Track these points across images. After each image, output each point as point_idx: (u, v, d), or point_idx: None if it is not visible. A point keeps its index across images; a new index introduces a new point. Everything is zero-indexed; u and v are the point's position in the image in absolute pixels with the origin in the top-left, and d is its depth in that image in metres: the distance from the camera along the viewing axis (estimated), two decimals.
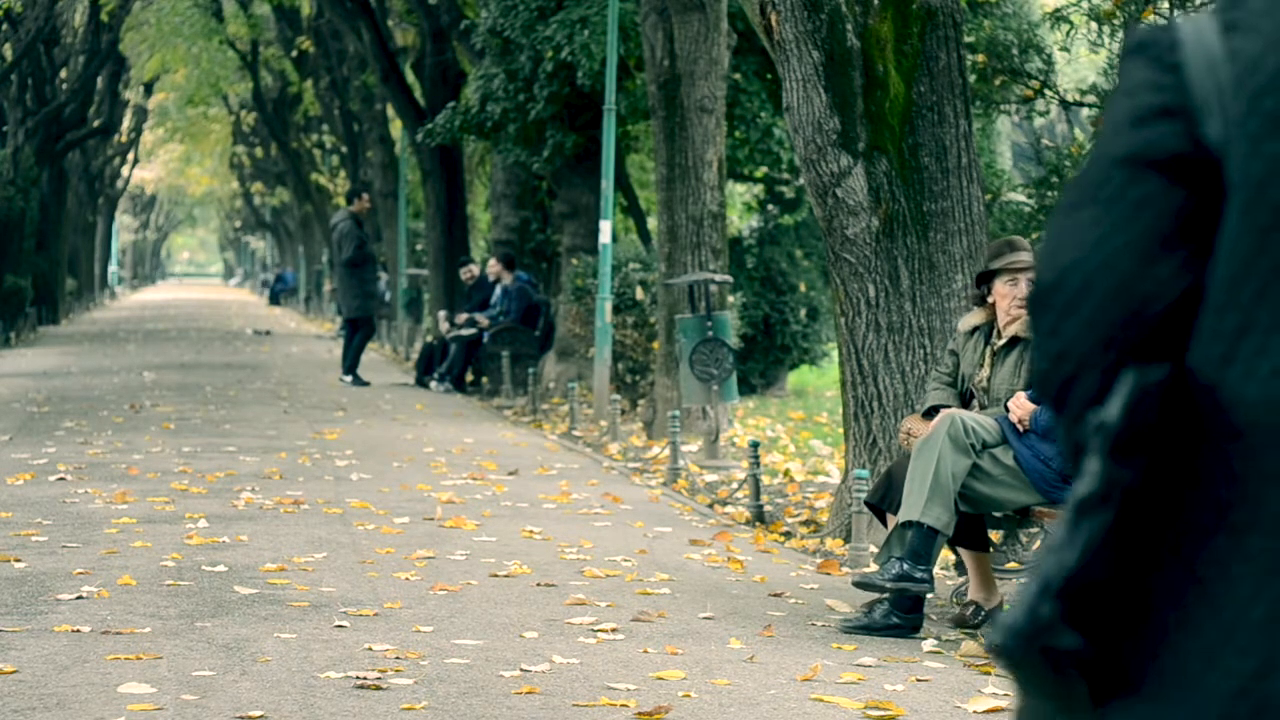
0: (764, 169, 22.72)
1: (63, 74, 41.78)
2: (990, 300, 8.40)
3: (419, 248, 37.85)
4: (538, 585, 8.75)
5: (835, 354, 20.55)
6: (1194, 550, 1.85)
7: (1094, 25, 12.53)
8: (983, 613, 8.09)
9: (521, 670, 6.86)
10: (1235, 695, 1.80)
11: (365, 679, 6.61)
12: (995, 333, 8.43)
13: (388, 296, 36.26)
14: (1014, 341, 8.31)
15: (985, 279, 8.43)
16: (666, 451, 14.35)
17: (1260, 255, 1.81)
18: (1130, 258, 1.87)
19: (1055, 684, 1.89)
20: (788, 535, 11.12)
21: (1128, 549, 1.87)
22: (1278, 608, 1.78)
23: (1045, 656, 1.87)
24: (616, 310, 18.96)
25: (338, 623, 7.72)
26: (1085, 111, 13.14)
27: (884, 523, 8.40)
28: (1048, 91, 13.24)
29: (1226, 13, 1.90)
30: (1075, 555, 1.87)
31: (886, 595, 7.87)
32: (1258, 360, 1.81)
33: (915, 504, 7.76)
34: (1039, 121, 26.85)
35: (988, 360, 8.38)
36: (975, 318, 8.52)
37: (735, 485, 13.19)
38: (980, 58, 13.10)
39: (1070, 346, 1.89)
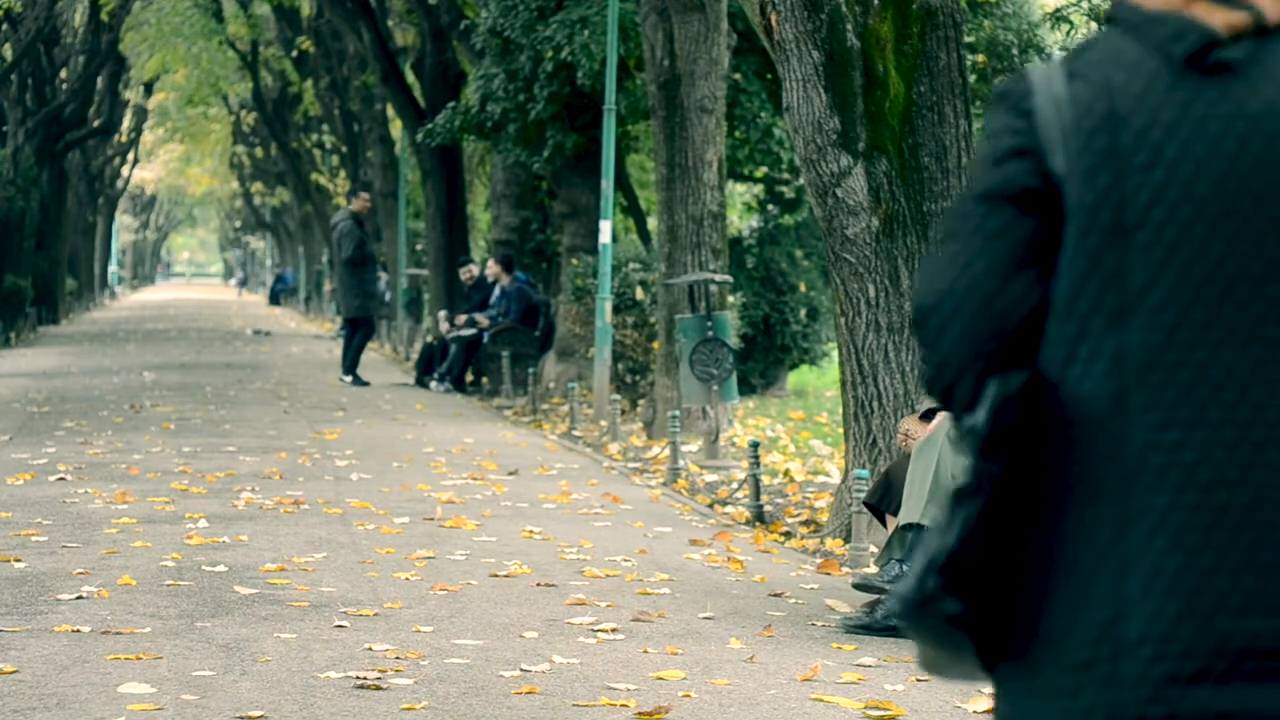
0: (764, 169, 22.73)
1: (63, 74, 41.80)
2: None
3: (419, 248, 37.85)
4: (538, 585, 8.75)
5: (835, 354, 20.54)
6: (1051, 524, 2.25)
7: (1094, 25, 12.53)
8: None
9: (521, 670, 6.86)
10: (1095, 642, 2.23)
11: (365, 679, 6.61)
12: None
13: (388, 296, 36.26)
14: None
15: None
16: (666, 451, 14.35)
17: (1093, 272, 2.23)
18: (991, 280, 2.27)
19: (945, 643, 2.34)
20: (788, 535, 11.12)
21: (998, 528, 2.27)
22: (1122, 566, 2.22)
23: (934, 621, 2.31)
24: (616, 310, 18.97)
25: (338, 623, 7.72)
26: None
27: (883, 523, 8.40)
28: None
29: (1070, 63, 2.31)
30: (954, 536, 2.29)
31: (887, 596, 7.87)
32: (1092, 362, 2.22)
33: (915, 506, 7.76)
34: None
35: None
36: None
37: (735, 485, 13.19)
38: (980, 58, 13.11)
39: (948, 357, 2.30)
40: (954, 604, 2.31)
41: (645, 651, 7.29)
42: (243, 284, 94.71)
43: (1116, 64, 2.31)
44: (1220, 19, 2.30)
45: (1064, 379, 2.27)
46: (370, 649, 7.18)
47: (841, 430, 11.57)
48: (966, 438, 2.32)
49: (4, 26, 33.55)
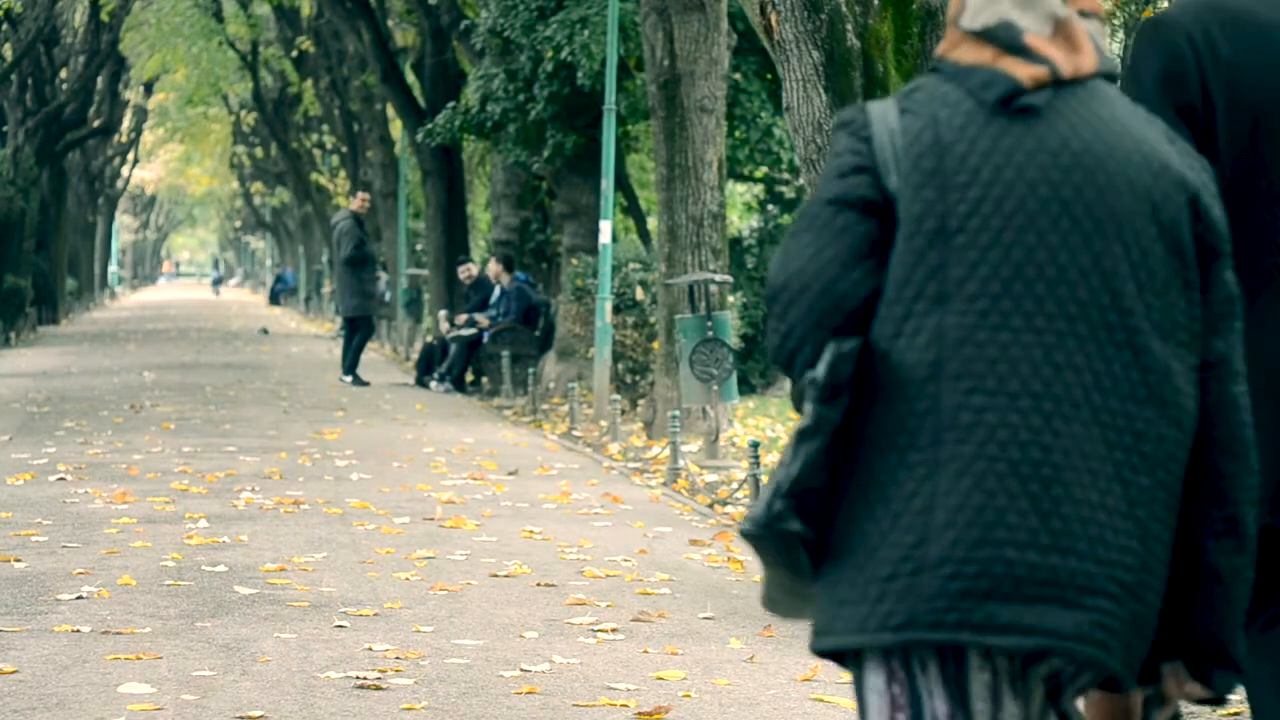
0: (764, 169, 22.73)
1: (63, 74, 41.79)
2: None
3: (419, 248, 37.86)
4: (538, 585, 8.75)
5: None
6: (875, 463, 2.84)
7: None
8: None
9: (521, 670, 6.86)
10: (900, 560, 2.79)
11: (365, 679, 6.61)
12: None
13: (388, 296, 36.26)
14: None
15: None
16: (666, 451, 14.35)
17: (917, 267, 2.85)
18: (834, 268, 2.87)
19: (788, 557, 2.90)
20: None
21: (832, 463, 2.85)
22: (930, 500, 2.78)
23: (779, 538, 2.87)
24: (616, 310, 18.97)
25: (338, 623, 7.73)
26: None
27: None
28: None
29: (902, 100, 2.94)
30: (797, 468, 2.84)
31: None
32: (916, 337, 2.84)
33: None
34: None
35: None
36: None
37: (735, 485, 13.19)
38: None
39: (794, 328, 2.88)
40: (796, 523, 2.87)
41: (645, 651, 7.29)
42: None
43: (941, 103, 2.92)
44: (1024, 72, 2.93)
45: (892, 349, 2.86)
46: (370, 649, 7.18)
47: None
48: (808, 389, 2.87)
49: (4, 26, 33.55)
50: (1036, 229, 2.88)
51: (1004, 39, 3.00)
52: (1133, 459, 2.87)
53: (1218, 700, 3.04)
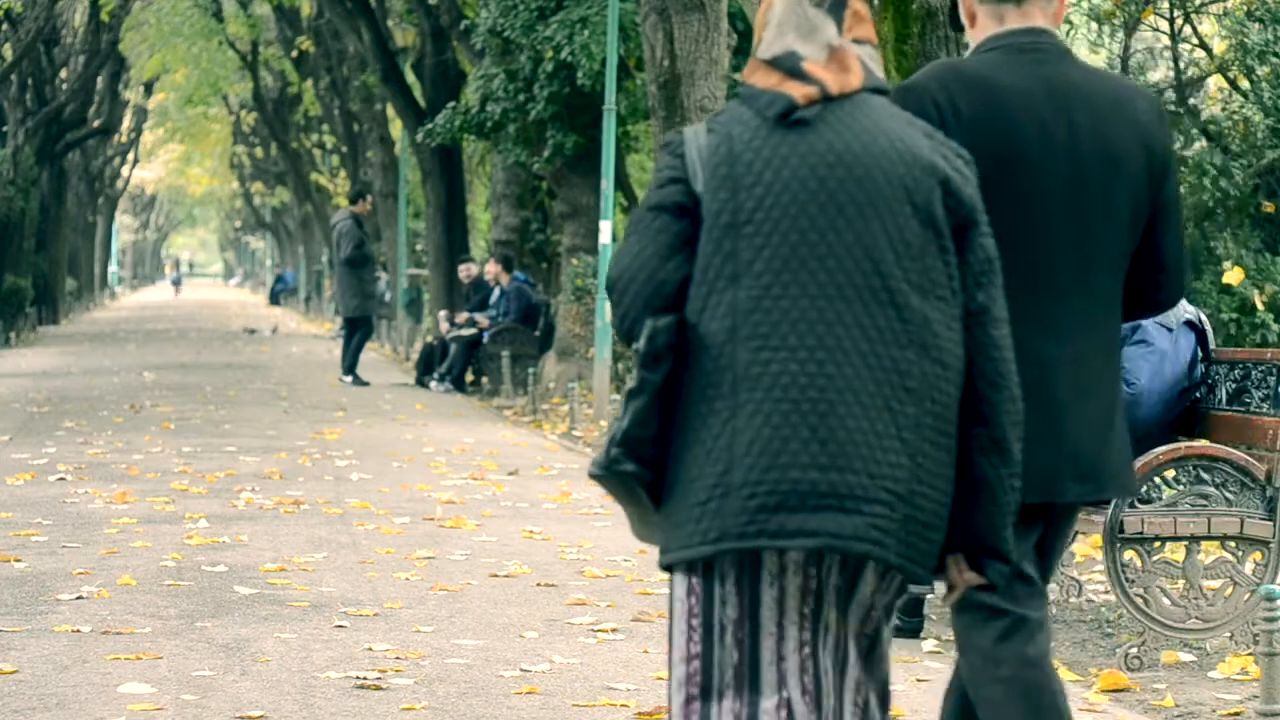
0: None
1: (63, 74, 41.79)
2: None
3: (419, 248, 37.86)
4: (538, 585, 8.75)
5: None
6: (690, 411, 3.59)
7: (1094, 25, 12.53)
8: None
9: (521, 670, 6.86)
10: (712, 486, 3.53)
11: (365, 679, 6.61)
12: None
13: (388, 296, 36.26)
14: None
15: None
16: None
17: (715, 254, 3.60)
18: (654, 261, 3.64)
19: (629, 494, 3.62)
20: None
21: (657, 415, 3.59)
22: (732, 438, 3.52)
23: (618, 477, 3.59)
24: None
25: (338, 623, 7.72)
26: None
27: None
28: None
29: (710, 122, 3.68)
30: (627, 421, 3.58)
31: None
32: (716, 309, 3.58)
33: None
34: None
35: None
36: None
37: None
38: None
39: (628, 310, 3.64)
40: (630, 465, 3.61)
41: (645, 651, 7.29)
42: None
43: (737, 122, 3.69)
44: (799, 91, 3.65)
45: (699, 321, 3.62)
46: (370, 649, 7.18)
47: None
48: (636, 357, 3.60)
49: (4, 26, 33.55)
50: (807, 216, 3.62)
51: (787, 65, 3.71)
52: (899, 393, 3.58)
53: (990, 586, 3.80)
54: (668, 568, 3.63)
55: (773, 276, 3.59)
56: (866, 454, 3.54)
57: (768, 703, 3.58)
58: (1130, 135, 4.30)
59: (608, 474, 3.62)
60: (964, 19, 4.46)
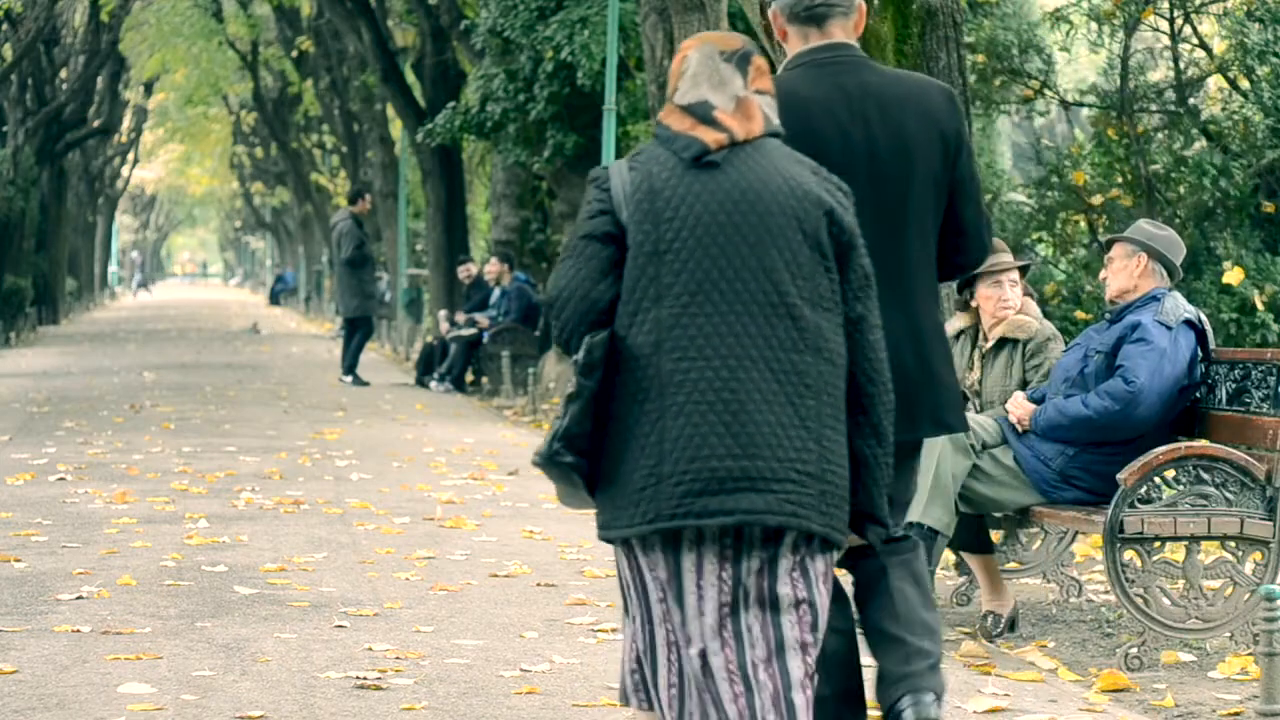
0: None
1: (63, 74, 41.77)
2: (974, 304, 8.42)
3: (419, 248, 37.83)
4: (538, 585, 8.75)
5: None
6: (623, 413, 4.32)
7: (1094, 25, 12.53)
8: (1001, 620, 8.06)
9: (521, 670, 6.86)
10: (646, 476, 4.28)
11: (365, 679, 6.61)
12: (981, 335, 8.44)
13: (388, 296, 36.25)
14: (1001, 343, 8.31)
15: (966, 283, 8.45)
16: None
17: (640, 278, 4.31)
18: (588, 283, 4.35)
19: (567, 480, 4.37)
20: None
21: (594, 415, 4.31)
22: (661, 435, 4.25)
23: (558, 467, 4.34)
24: None
25: (338, 623, 7.73)
26: (1085, 111, 13.13)
27: None
28: (1048, 91, 13.24)
29: (631, 160, 4.37)
30: (567, 421, 4.30)
31: None
32: (642, 325, 4.30)
33: (915, 505, 7.75)
34: (1039, 121, 26.84)
35: (976, 363, 8.40)
36: (959, 322, 8.54)
37: None
38: (980, 58, 13.10)
39: (566, 324, 4.35)
40: (570, 457, 4.36)
41: None
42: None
43: (655, 161, 4.42)
44: (710, 137, 4.40)
45: (627, 335, 4.35)
46: (370, 649, 7.18)
47: None
48: (574, 366, 4.32)
49: (4, 26, 33.54)
50: (717, 244, 4.35)
51: (700, 113, 4.43)
52: (800, 390, 4.34)
53: (870, 547, 4.77)
54: (609, 541, 4.47)
55: (690, 297, 4.34)
56: (774, 443, 4.30)
57: (691, 650, 4.37)
58: (923, 125, 5.12)
59: (549, 464, 4.40)
60: (777, 38, 5.25)
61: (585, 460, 4.39)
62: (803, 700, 4.34)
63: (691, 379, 4.30)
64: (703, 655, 4.34)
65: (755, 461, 4.28)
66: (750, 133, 4.43)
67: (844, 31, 5.19)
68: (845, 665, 4.97)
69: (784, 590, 4.35)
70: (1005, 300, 8.28)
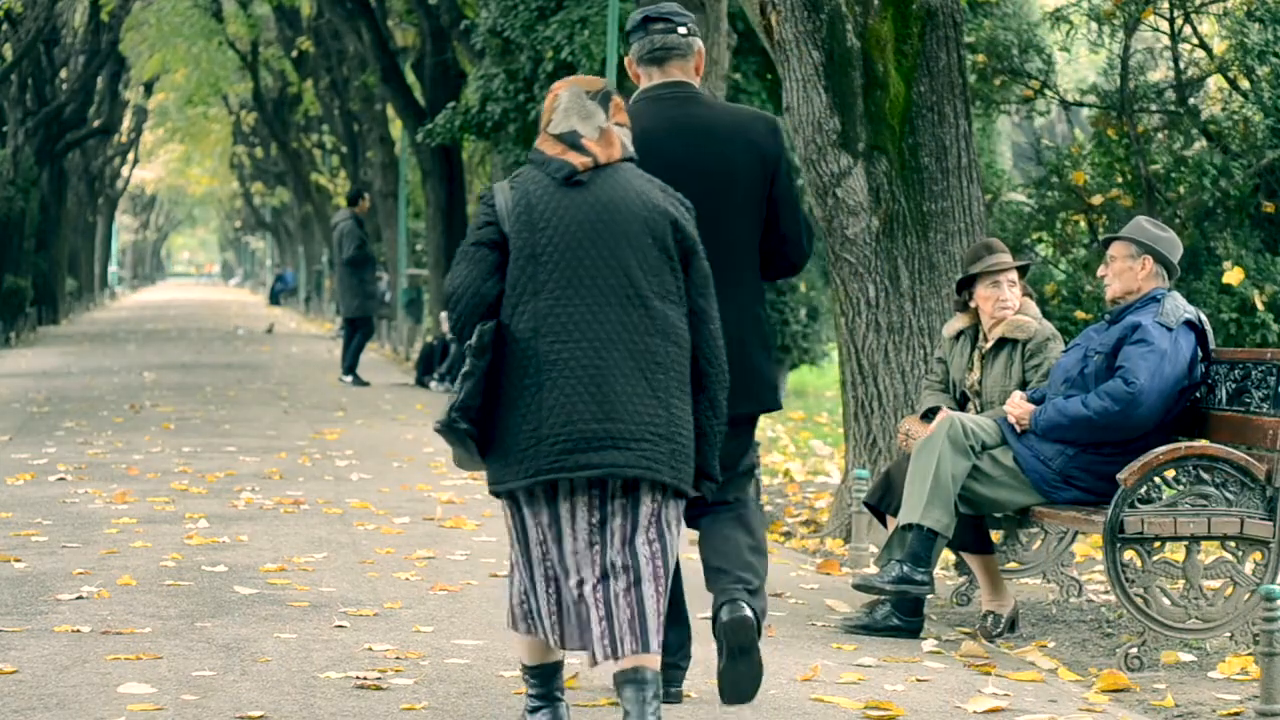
0: None
1: (63, 74, 41.76)
2: (973, 305, 8.42)
3: (419, 248, 37.82)
4: None
5: (835, 354, 20.53)
6: (507, 387, 5.32)
7: (1094, 25, 12.52)
8: (1001, 620, 8.06)
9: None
10: (528, 438, 5.29)
11: (365, 679, 6.61)
12: (981, 336, 8.44)
13: (388, 297, 36.24)
14: (1001, 343, 8.31)
15: (966, 284, 8.46)
16: None
17: (521, 276, 5.36)
18: (478, 281, 5.36)
19: (462, 444, 5.33)
20: (788, 535, 11.12)
21: (484, 389, 5.31)
22: (540, 405, 5.27)
23: (455, 433, 5.31)
24: None
25: (338, 623, 7.73)
26: (1085, 111, 13.13)
27: (883, 523, 8.40)
28: (1048, 91, 13.24)
29: (512, 182, 5.44)
30: (463, 395, 5.28)
31: (887, 597, 7.87)
32: (523, 315, 5.33)
33: (915, 506, 7.75)
34: (1039, 121, 26.83)
35: (976, 364, 8.40)
36: (959, 323, 8.54)
37: None
38: (980, 58, 13.09)
39: (460, 316, 5.34)
40: (464, 424, 5.34)
41: None
42: (234, 278, 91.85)
43: (533, 182, 5.45)
44: (578, 160, 5.42)
45: (511, 324, 5.37)
46: (370, 649, 7.18)
47: (841, 430, 11.57)
48: (466, 349, 5.32)
49: (4, 26, 33.54)
50: (583, 249, 5.37)
51: (570, 140, 5.46)
52: (652, 367, 5.36)
53: (703, 498, 5.67)
54: (497, 494, 5.43)
55: (561, 291, 5.35)
56: (632, 410, 5.31)
57: (570, 582, 5.38)
58: (745, 151, 6.18)
59: (448, 430, 5.36)
60: (631, 76, 6.37)
61: (476, 428, 5.36)
62: (655, 624, 5.36)
63: (564, 358, 5.31)
64: (579, 585, 5.36)
65: (617, 424, 5.29)
66: (611, 157, 5.47)
67: (682, 71, 6.32)
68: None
69: (641, 532, 5.38)
70: (1003, 300, 8.28)
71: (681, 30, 6.43)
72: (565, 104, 5.51)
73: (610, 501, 5.36)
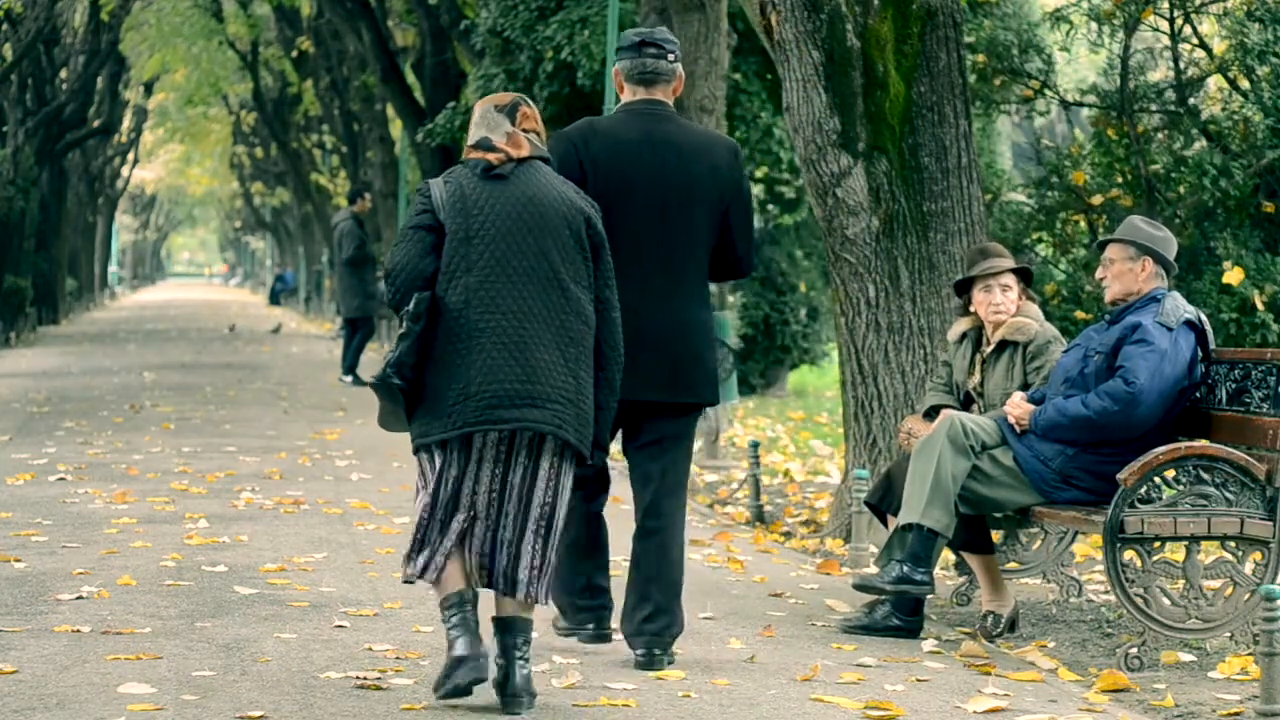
0: (764, 169, 22.71)
1: (63, 74, 41.75)
2: (973, 309, 8.43)
3: None
4: None
5: (835, 354, 20.53)
6: (439, 351, 6.16)
7: (1094, 25, 12.51)
8: (1002, 620, 8.06)
9: None
10: (456, 395, 6.12)
11: (365, 679, 6.61)
12: (983, 339, 8.44)
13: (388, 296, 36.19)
14: (1003, 346, 8.31)
15: (964, 287, 8.46)
16: None
17: (455, 255, 6.22)
18: (416, 258, 6.23)
19: (392, 399, 6.19)
20: (788, 535, 11.12)
21: (416, 351, 6.15)
22: (468, 367, 6.10)
23: (389, 389, 6.17)
24: None
25: (338, 623, 7.73)
26: (1085, 111, 13.12)
27: (884, 523, 8.40)
28: (1048, 91, 13.23)
29: (445, 178, 6.32)
30: (397, 353, 6.14)
31: (887, 597, 7.87)
32: (455, 289, 6.19)
33: (915, 506, 7.76)
34: (1039, 121, 26.84)
35: (977, 367, 8.40)
36: (962, 325, 8.54)
37: (735, 485, 13.19)
38: (980, 58, 13.09)
39: (399, 288, 6.21)
40: (398, 380, 6.12)
41: None
42: (234, 278, 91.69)
43: (463, 177, 6.29)
44: (492, 156, 6.29)
45: (445, 296, 6.17)
46: (370, 649, 7.18)
47: (841, 430, 11.57)
48: (405, 315, 6.14)
49: (4, 26, 33.54)
50: (509, 233, 6.23)
51: (484, 145, 6.37)
52: (565, 341, 6.21)
53: (598, 465, 6.74)
54: (422, 447, 6.21)
55: (490, 270, 6.20)
56: (547, 376, 6.15)
57: (461, 514, 6.21)
58: (707, 172, 7.03)
59: (382, 386, 6.18)
60: (616, 90, 7.20)
61: (407, 385, 6.16)
62: (537, 575, 6.20)
63: (491, 327, 6.15)
64: (471, 521, 6.22)
65: (535, 386, 6.14)
66: (519, 153, 6.33)
67: (664, 93, 7.15)
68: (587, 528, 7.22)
69: (539, 485, 6.23)
70: (996, 305, 8.30)
71: (670, 58, 7.14)
72: (477, 119, 6.42)
73: (515, 456, 6.19)
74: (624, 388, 6.54)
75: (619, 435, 7.13)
